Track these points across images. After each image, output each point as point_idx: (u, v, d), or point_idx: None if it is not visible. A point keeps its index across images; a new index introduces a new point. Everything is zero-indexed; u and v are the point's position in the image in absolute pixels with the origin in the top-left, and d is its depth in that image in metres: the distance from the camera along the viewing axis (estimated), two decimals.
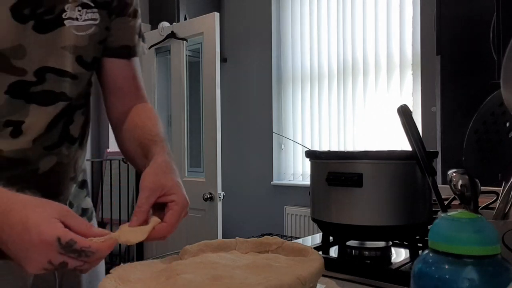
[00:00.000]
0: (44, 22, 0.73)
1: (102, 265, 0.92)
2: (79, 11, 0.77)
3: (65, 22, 0.75)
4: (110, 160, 3.53)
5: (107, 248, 0.57)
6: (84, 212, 0.94)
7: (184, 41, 3.14)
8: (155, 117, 0.87)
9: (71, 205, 0.89)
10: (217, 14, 2.94)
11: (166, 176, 0.69)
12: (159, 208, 0.68)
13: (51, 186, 0.78)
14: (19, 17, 0.70)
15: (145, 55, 0.94)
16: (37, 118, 0.75)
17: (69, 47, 0.77)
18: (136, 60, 0.91)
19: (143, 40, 0.92)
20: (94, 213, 0.99)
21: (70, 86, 0.80)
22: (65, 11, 0.75)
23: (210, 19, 2.94)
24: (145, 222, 0.64)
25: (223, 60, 3.80)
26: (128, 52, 0.88)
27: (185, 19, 3.54)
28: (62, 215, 0.57)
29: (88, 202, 0.96)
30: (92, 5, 0.79)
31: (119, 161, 3.53)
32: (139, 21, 0.90)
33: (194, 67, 3.40)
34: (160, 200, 0.67)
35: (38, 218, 0.55)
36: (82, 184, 0.93)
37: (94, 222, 0.99)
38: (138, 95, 0.90)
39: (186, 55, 3.21)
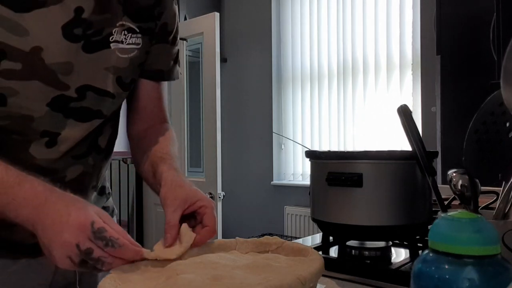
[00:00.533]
0: (92, 43, 0.77)
1: None
2: (125, 35, 0.81)
3: (111, 44, 0.79)
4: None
5: (132, 250, 0.61)
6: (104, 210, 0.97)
7: (184, 41, 3.14)
8: (170, 137, 0.90)
9: None
10: (217, 14, 2.94)
11: (183, 188, 0.73)
12: (188, 218, 0.73)
13: (74, 194, 0.81)
14: (70, 36, 0.73)
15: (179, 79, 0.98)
16: (72, 132, 0.79)
17: (111, 68, 0.80)
18: (164, 82, 0.95)
19: (179, 64, 0.96)
20: (115, 212, 1.03)
21: (107, 104, 0.84)
22: (112, 34, 0.79)
23: (210, 19, 2.94)
24: (178, 235, 0.68)
25: (223, 60, 3.80)
26: (161, 76, 0.92)
27: (185, 19, 3.54)
28: (101, 214, 0.63)
29: (109, 202, 1.00)
30: (137, 30, 0.83)
31: (119, 161, 3.53)
32: (177, 47, 0.94)
33: (194, 67, 3.40)
34: (188, 210, 0.72)
35: (80, 207, 0.61)
36: (102, 191, 0.96)
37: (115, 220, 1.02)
38: (160, 116, 0.94)
39: (186, 55, 3.21)
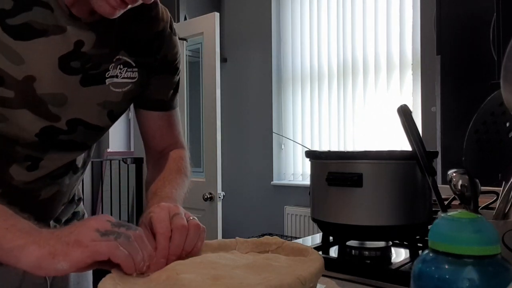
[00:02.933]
0: (89, 77, 0.76)
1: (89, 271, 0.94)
2: (120, 69, 0.80)
3: (106, 80, 0.79)
4: (110, 160, 3.53)
5: (143, 241, 0.59)
6: (74, 215, 0.96)
7: (184, 41, 3.14)
8: (174, 169, 0.89)
9: (58, 221, 0.90)
10: (217, 14, 2.94)
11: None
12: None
13: (46, 211, 0.82)
14: (66, 68, 0.73)
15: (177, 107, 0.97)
16: (55, 160, 0.79)
17: (104, 103, 0.80)
18: (173, 111, 0.95)
19: (177, 91, 0.95)
20: (85, 216, 1.01)
21: (94, 136, 0.84)
22: (109, 70, 0.79)
23: (210, 19, 2.94)
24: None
25: (223, 60, 3.80)
26: (162, 106, 0.92)
27: (185, 19, 3.54)
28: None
29: (79, 207, 0.98)
30: (133, 64, 0.82)
31: (119, 161, 3.53)
32: (178, 77, 0.94)
33: (194, 67, 3.40)
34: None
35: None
36: (72, 199, 0.95)
37: None
38: (172, 142, 0.95)
39: (186, 55, 3.21)
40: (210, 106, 2.93)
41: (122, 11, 0.70)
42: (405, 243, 0.98)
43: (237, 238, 0.74)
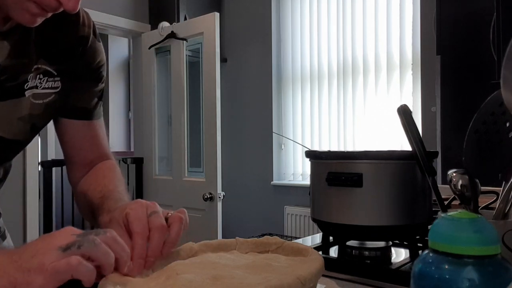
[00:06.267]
0: (5, 90, 0.70)
1: None
2: (40, 79, 0.75)
3: (26, 92, 0.73)
4: None
5: (113, 241, 0.54)
6: None
7: (184, 41, 3.14)
8: (111, 176, 0.83)
9: None
10: (217, 14, 2.94)
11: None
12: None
13: None
14: None
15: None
16: None
17: (25, 117, 0.74)
18: (98, 120, 0.88)
19: (101, 100, 0.89)
20: (6, 233, 0.95)
21: (15, 150, 0.79)
22: (28, 81, 0.73)
23: (210, 19, 2.94)
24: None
25: (223, 60, 3.80)
26: (84, 114, 0.86)
27: (185, 19, 3.54)
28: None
29: (3, 244, 0.92)
30: (55, 73, 0.77)
31: (119, 161, 3.53)
32: (102, 85, 0.88)
33: (194, 67, 3.40)
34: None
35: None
36: None
37: (9, 241, 0.95)
38: (100, 153, 0.89)
39: (186, 55, 3.21)
40: (210, 106, 2.93)
41: (42, 19, 0.65)
42: (405, 243, 0.98)
43: (237, 238, 0.74)
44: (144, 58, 3.47)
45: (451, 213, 0.46)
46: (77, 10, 0.64)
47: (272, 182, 3.81)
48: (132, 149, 3.98)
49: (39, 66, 0.74)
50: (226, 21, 4.03)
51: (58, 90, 0.78)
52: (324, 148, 3.51)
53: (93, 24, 0.83)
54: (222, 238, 0.75)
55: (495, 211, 0.78)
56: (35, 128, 0.78)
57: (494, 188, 0.86)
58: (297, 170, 3.77)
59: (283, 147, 3.87)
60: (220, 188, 2.90)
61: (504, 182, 0.78)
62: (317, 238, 1.07)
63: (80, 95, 0.84)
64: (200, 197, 2.90)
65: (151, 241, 0.59)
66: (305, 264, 0.61)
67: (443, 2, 2.32)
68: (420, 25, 3.03)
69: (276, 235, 2.27)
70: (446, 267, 0.44)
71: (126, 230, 0.61)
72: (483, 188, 0.84)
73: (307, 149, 1.03)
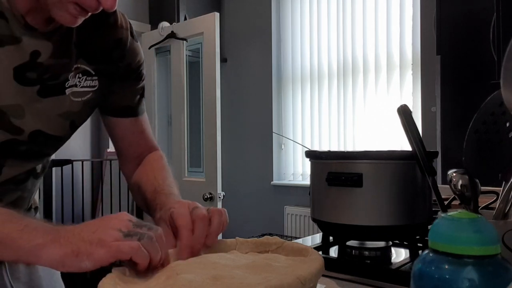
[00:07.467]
0: (48, 88, 0.75)
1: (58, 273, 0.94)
2: (79, 77, 0.79)
3: (66, 90, 0.78)
4: (110, 160, 3.53)
5: (162, 241, 0.60)
6: None
7: (184, 41, 3.13)
8: (159, 168, 0.89)
9: None
10: (217, 14, 2.93)
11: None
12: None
13: None
14: (21, 79, 0.72)
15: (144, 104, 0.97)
16: (16, 166, 0.78)
17: (65, 114, 0.79)
18: (142, 116, 0.94)
19: (144, 96, 0.95)
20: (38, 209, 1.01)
21: (55, 146, 0.83)
22: (68, 80, 0.78)
23: (210, 19, 2.94)
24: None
25: (223, 60, 3.80)
26: (129, 112, 0.91)
27: (185, 19, 3.54)
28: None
29: (36, 216, 0.97)
30: (93, 73, 0.81)
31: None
32: (143, 82, 0.93)
33: (194, 67, 3.40)
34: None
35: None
36: (29, 209, 0.94)
37: (37, 215, 1.01)
38: (148, 146, 0.95)
39: (186, 55, 3.21)
40: (210, 106, 2.93)
41: (82, 19, 0.69)
42: (405, 243, 0.98)
43: (237, 238, 0.74)
44: (144, 58, 3.47)
45: (451, 213, 0.46)
46: (115, 9, 0.68)
47: (272, 182, 3.81)
48: None
49: (79, 65, 0.79)
50: (226, 21, 4.03)
51: (95, 88, 0.82)
52: (324, 148, 3.51)
53: (130, 25, 0.88)
54: (222, 238, 0.76)
55: (495, 211, 0.78)
56: (73, 125, 0.82)
57: (494, 188, 0.86)
58: (297, 170, 3.77)
59: (283, 147, 3.87)
60: (220, 188, 2.90)
61: (504, 182, 0.78)
62: (317, 238, 1.07)
63: (123, 95, 0.89)
64: (200, 197, 2.90)
65: (196, 231, 0.66)
66: (305, 264, 0.61)
67: (443, 2, 2.32)
68: (420, 25, 3.03)
69: (276, 235, 2.27)
70: (446, 267, 0.44)
71: (172, 227, 0.68)
72: (483, 188, 0.84)
73: (307, 149, 1.03)
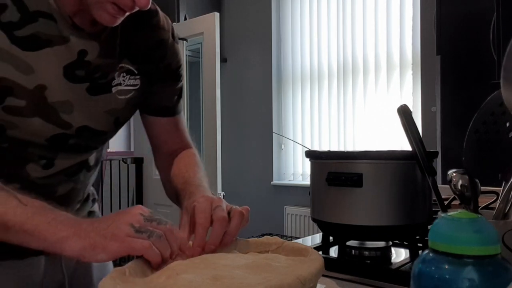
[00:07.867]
0: (97, 86, 0.79)
1: (110, 264, 0.97)
2: (123, 76, 0.83)
3: (113, 88, 0.82)
4: (110, 160, 3.53)
5: (173, 237, 0.63)
6: (90, 215, 0.99)
7: (184, 41, 3.14)
8: (192, 163, 0.93)
9: None
10: (217, 14, 2.94)
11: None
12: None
13: (62, 208, 0.83)
14: (70, 76, 0.75)
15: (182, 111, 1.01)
16: (68, 158, 0.82)
17: (110, 111, 0.83)
18: (179, 115, 0.98)
19: (181, 97, 0.98)
20: (96, 200, 1.05)
21: (102, 140, 0.87)
22: (114, 78, 0.81)
23: (210, 19, 2.94)
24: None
25: (223, 60, 3.80)
26: (167, 111, 0.95)
27: (185, 19, 3.54)
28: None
29: (94, 207, 1.01)
30: (136, 72, 0.85)
31: (119, 161, 3.53)
32: (181, 83, 0.96)
33: (194, 67, 3.40)
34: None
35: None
36: (86, 198, 0.97)
37: (95, 207, 1.04)
38: (182, 144, 0.99)
39: (186, 55, 3.21)
40: (210, 106, 2.93)
41: (121, 19, 0.72)
42: (405, 243, 0.98)
43: (237, 238, 0.74)
44: None
45: (451, 213, 0.46)
46: (149, 7, 0.71)
47: (272, 182, 3.81)
48: (132, 149, 3.98)
49: (123, 65, 0.83)
50: (226, 21, 4.03)
51: (137, 87, 0.86)
52: (324, 148, 3.51)
53: (172, 27, 0.92)
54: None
55: (495, 211, 0.78)
56: (118, 121, 0.86)
57: (494, 188, 0.86)
58: (297, 170, 3.77)
59: (283, 147, 3.87)
60: (220, 188, 2.90)
61: (504, 182, 0.78)
62: (317, 238, 1.07)
63: (162, 95, 0.92)
64: None
65: (213, 231, 0.68)
66: (305, 264, 0.61)
67: (443, 2, 2.32)
68: (420, 25, 3.03)
69: (276, 235, 2.27)
70: (446, 267, 0.44)
71: (191, 220, 0.70)
72: (483, 188, 0.84)
73: (307, 149, 1.03)
